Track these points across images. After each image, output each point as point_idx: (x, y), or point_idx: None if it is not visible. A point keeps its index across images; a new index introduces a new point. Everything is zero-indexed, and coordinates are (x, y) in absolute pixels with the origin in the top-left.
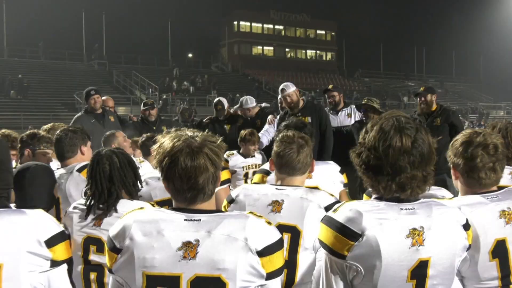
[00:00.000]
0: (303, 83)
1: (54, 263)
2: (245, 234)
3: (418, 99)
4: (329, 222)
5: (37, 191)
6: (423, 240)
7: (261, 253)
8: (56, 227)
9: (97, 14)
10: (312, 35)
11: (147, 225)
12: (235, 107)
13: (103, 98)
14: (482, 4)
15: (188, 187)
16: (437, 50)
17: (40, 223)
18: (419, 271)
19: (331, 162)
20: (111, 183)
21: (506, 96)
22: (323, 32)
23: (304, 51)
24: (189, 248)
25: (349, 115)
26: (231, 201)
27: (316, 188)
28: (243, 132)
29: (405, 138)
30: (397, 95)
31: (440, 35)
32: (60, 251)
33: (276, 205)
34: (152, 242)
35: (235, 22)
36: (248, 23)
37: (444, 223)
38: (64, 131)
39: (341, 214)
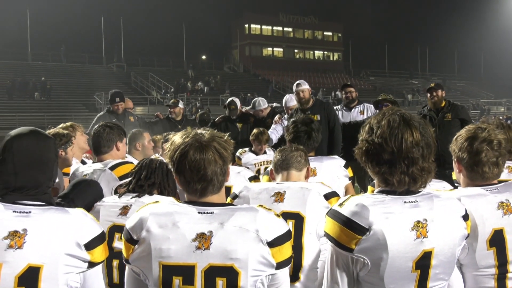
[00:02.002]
0: (311, 83)
1: (92, 265)
2: (256, 226)
3: (429, 94)
4: (335, 215)
5: (80, 201)
6: (427, 232)
7: (271, 244)
8: (96, 229)
9: (115, 19)
10: (319, 37)
11: (163, 217)
12: (247, 108)
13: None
14: (483, 4)
15: (198, 179)
16: (439, 49)
17: (81, 224)
18: (423, 262)
19: (336, 156)
20: (155, 177)
21: (506, 92)
22: (330, 33)
23: (312, 52)
24: (203, 239)
25: (362, 112)
26: (235, 197)
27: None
28: (255, 131)
29: (414, 131)
30: (401, 93)
31: (443, 35)
32: (98, 253)
33: (279, 196)
34: (168, 234)
35: (246, 25)
36: (258, 26)
37: (446, 215)
38: (102, 126)
39: (347, 208)
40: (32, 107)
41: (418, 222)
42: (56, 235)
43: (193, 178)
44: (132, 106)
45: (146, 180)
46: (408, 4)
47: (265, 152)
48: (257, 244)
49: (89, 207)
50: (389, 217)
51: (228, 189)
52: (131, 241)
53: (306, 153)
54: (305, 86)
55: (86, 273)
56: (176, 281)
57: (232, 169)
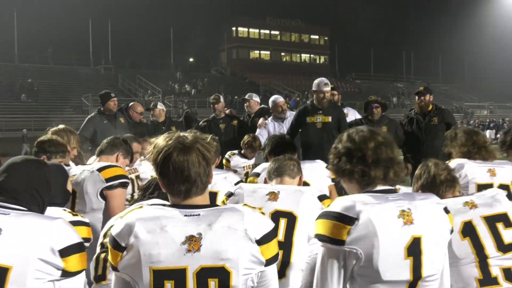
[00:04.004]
0: (297, 86)
1: (65, 274)
2: (244, 225)
3: (417, 97)
4: (325, 215)
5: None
6: (413, 220)
7: (260, 242)
8: (74, 237)
9: (103, 21)
10: (306, 40)
11: (150, 222)
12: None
13: (131, 104)
14: (467, 10)
15: (182, 180)
16: (424, 53)
17: (58, 230)
18: (414, 248)
19: (318, 160)
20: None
21: (489, 96)
22: (316, 37)
23: (298, 55)
24: (193, 242)
25: (346, 115)
26: (230, 195)
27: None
28: (246, 138)
29: (379, 137)
30: (386, 96)
31: (427, 39)
32: (74, 262)
33: (273, 195)
34: (157, 239)
35: (234, 28)
36: (246, 29)
37: (427, 205)
38: (120, 138)
39: (337, 205)
40: (19, 108)
41: (403, 210)
42: (30, 238)
43: (177, 180)
44: (142, 111)
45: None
46: (393, 9)
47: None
48: (246, 243)
49: (65, 190)
50: (375, 206)
51: (214, 194)
52: (119, 248)
53: (299, 163)
54: (329, 88)
55: (61, 284)
56: (168, 285)
57: (219, 174)
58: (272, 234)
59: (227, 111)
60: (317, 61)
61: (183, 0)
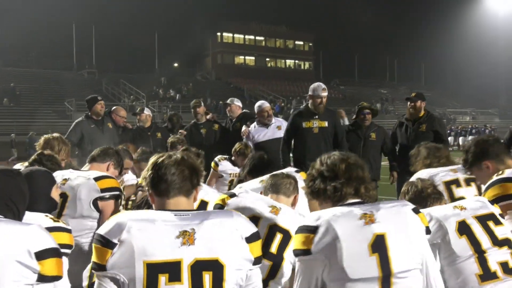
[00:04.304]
0: (282, 91)
1: (41, 278)
2: (234, 223)
3: (408, 103)
4: (296, 232)
5: (34, 195)
6: (375, 219)
7: (248, 239)
8: (50, 242)
9: (87, 26)
10: (291, 46)
11: (142, 220)
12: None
13: (114, 108)
14: (450, 18)
15: (172, 188)
16: (407, 59)
17: (34, 234)
18: (379, 245)
19: (288, 167)
20: None
21: (471, 102)
22: (301, 43)
23: (283, 61)
24: (186, 236)
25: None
26: (232, 195)
27: None
28: (237, 146)
29: (350, 159)
30: (370, 102)
31: (411, 46)
32: (50, 266)
33: (275, 209)
34: (150, 233)
35: (219, 33)
36: (230, 34)
37: (391, 207)
38: (112, 148)
39: (304, 220)
40: (1, 113)
41: (365, 213)
42: (7, 241)
43: (168, 189)
44: (125, 115)
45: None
46: (377, 15)
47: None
48: (237, 239)
49: (49, 197)
50: (337, 214)
51: (205, 204)
52: (108, 245)
53: (296, 182)
54: (326, 93)
55: None
56: (162, 278)
57: (207, 188)
58: (258, 235)
59: (208, 116)
60: (302, 67)
61: (168, 4)
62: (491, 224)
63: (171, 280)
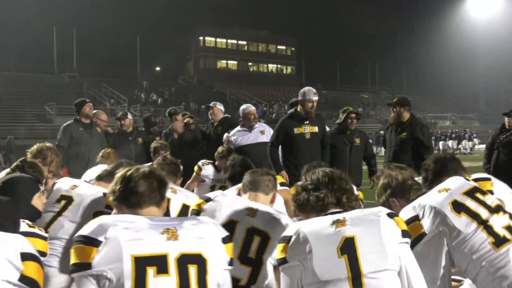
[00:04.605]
0: (265, 95)
1: (23, 278)
2: (211, 224)
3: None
4: (279, 240)
5: (17, 202)
6: (346, 224)
7: (224, 240)
8: (32, 248)
9: (68, 29)
10: (273, 50)
11: (125, 221)
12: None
13: (95, 111)
14: (430, 24)
15: (144, 200)
16: (389, 65)
17: (20, 240)
18: (347, 247)
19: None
20: None
21: (452, 107)
22: (283, 47)
23: (265, 65)
24: (170, 232)
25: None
26: (208, 199)
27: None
28: (220, 150)
29: (333, 174)
30: (352, 106)
31: (392, 51)
32: (32, 269)
33: (252, 211)
34: (136, 230)
35: (201, 38)
36: (213, 39)
37: (365, 212)
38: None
39: (285, 232)
40: None
41: (338, 220)
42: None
43: (139, 201)
44: (106, 118)
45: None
46: (359, 20)
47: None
48: (215, 238)
49: (29, 205)
50: (311, 222)
51: (187, 208)
52: (93, 243)
53: (275, 178)
54: (317, 97)
55: None
56: (150, 271)
57: (188, 193)
58: (230, 238)
59: (184, 120)
60: (284, 71)
61: (150, 8)
62: (479, 195)
63: (159, 272)
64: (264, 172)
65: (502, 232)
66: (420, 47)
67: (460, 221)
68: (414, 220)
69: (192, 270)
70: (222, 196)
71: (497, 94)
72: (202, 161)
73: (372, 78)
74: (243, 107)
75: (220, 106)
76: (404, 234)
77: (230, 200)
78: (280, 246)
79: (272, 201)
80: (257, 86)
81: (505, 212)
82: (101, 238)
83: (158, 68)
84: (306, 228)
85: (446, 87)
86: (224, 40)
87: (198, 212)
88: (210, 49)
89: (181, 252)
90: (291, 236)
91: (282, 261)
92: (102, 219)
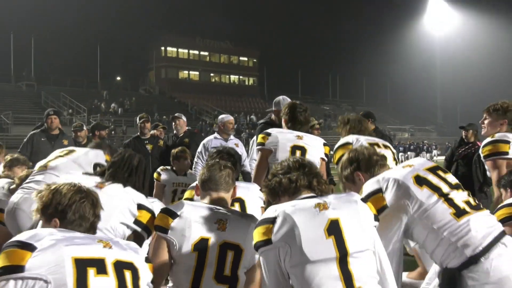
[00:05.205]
0: (227, 106)
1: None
2: (136, 249)
3: None
4: (255, 226)
5: None
6: (329, 207)
7: (147, 260)
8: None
9: (25, 36)
10: (235, 62)
11: (63, 231)
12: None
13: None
14: (389, 38)
15: (78, 217)
16: (349, 77)
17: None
18: (334, 229)
19: (254, 184)
20: (136, 178)
21: (410, 119)
22: (245, 58)
23: (228, 76)
24: (103, 243)
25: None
26: (174, 215)
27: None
28: (174, 151)
29: (302, 160)
30: (314, 117)
31: (353, 64)
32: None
33: (221, 224)
34: (73, 238)
35: (163, 48)
36: (175, 49)
37: (341, 196)
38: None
39: (263, 215)
40: None
41: (319, 203)
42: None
43: (77, 221)
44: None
45: (127, 178)
46: (320, 33)
47: (185, 174)
48: (141, 257)
49: None
50: (292, 204)
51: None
52: (28, 247)
53: (233, 170)
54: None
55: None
56: (91, 271)
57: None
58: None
59: (152, 132)
60: (246, 83)
61: (111, 18)
62: (441, 173)
63: (99, 273)
64: (222, 166)
65: (462, 205)
66: (380, 60)
67: (422, 193)
68: (377, 192)
69: (128, 274)
70: (188, 213)
71: (454, 108)
72: (161, 167)
73: (333, 89)
74: (222, 116)
75: (184, 118)
76: (376, 218)
77: (198, 214)
78: (260, 229)
79: (233, 196)
80: (219, 97)
81: (464, 190)
82: (37, 244)
83: (118, 78)
84: (289, 210)
85: (405, 100)
86: (186, 51)
87: (165, 230)
88: (172, 59)
89: (116, 258)
90: (275, 217)
91: (265, 243)
92: (38, 230)
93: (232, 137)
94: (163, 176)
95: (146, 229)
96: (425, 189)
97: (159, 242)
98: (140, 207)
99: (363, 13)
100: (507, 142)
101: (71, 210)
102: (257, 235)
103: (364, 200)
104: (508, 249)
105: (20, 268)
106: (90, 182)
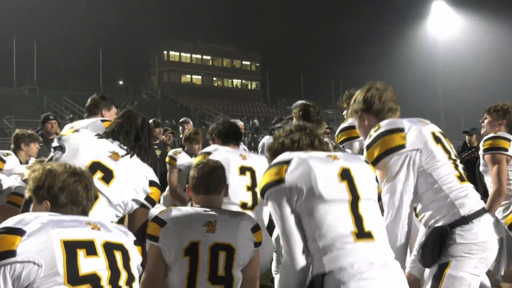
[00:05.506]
0: (229, 111)
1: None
2: (126, 232)
3: None
4: (265, 171)
5: None
6: (339, 158)
7: (135, 243)
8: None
9: (28, 40)
10: (238, 66)
11: (50, 215)
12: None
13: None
14: (392, 42)
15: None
16: (352, 81)
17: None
18: (346, 175)
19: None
20: (144, 139)
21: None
22: (248, 62)
23: (230, 80)
24: (92, 225)
25: None
26: (162, 223)
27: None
28: (187, 132)
29: (306, 124)
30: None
31: (356, 67)
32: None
33: (211, 226)
34: (61, 221)
35: (165, 52)
36: (177, 53)
37: (349, 154)
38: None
39: (275, 160)
40: None
41: (330, 154)
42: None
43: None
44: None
45: (134, 143)
46: (324, 37)
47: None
48: (130, 240)
49: None
50: (307, 152)
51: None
52: (17, 232)
53: (224, 169)
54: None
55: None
56: (81, 252)
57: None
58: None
59: (162, 137)
60: (249, 87)
61: (114, 22)
62: (447, 142)
63: (88, 254)
64: (212, 168)
65: (462, 173)
66: (383, 64)
67: (437, 149)
68: (399, 131)
69: (118, 255)
70: (176, 215)
71: (457, 112)
72: (173, 151)
73: (336, 94)
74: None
75: (191, 123)
76: (376, 179)
77: (186, 219)
78: (274, 169)
79: (225, 195)
80: (222, 101)
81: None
82: (25, 228)
83: (121, 82)
84: (304, 155)
85: (408, 103)
86: (189, 55)
87: (156, 238)
88: (174, 63)
89: (105, 240)
90: (290, 159)
91: (276, 182)
92: (25, 214)
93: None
94: (179, 161)
95: (153, 204)
96: (439, 147)
97: (152, 250)
98: (151, 183)
99: (366, 17)
100: (508, 140)
101: (63, 193)
102: (268, 176)
103: (384, 134)
104: (493, 218)
105: (11, 253)
106: (103, 150)
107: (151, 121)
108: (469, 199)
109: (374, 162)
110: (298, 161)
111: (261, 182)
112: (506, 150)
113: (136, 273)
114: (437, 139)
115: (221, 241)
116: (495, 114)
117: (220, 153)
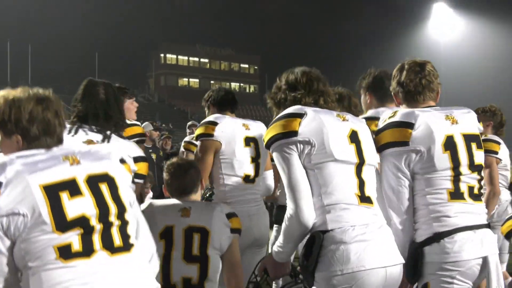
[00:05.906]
0: None
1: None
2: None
3: None
4: (276, 120)
5: None
6: (348, 120)
7: (122, 161)
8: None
9: (23, 43)
10: (236, 69)
11: (22, 156)
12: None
13: None
14: (392, 44)
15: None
16: (353, 84)
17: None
18: (354, 138)
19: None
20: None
21: None
22: (246, 65)
23: (228, 84)
24: (71, 158)
25: None
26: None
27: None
28: (190, 123)
29: (311, 73)
30: None
31: (356, 70)
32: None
33: (185, 211)
34: (36, 163)
35: (162, 55)
36: (174, 56)
37: (356, 117)
38: None
39: (287, 111)
40: None
41: (338, 114)
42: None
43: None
44: None
45: (106, 122)
46: (322, 40)
47: None
48: (115, 159)
49: None
50: (315, 109)
51: None
52: None
53: (198, 169)
54: None
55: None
56: (64, 195)
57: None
58: (130, 158)
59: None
60: (247, 90)
61: (110, 25)
62: (473, 146)
63: (72, 195)
64: (186, 168)
65: (463, 189)
66: (384, 67)
67: (441, 158)
68: (407, 127)
69: (104, 187)
70: (151, 206)
71: None
72: (190, 136)
73: None
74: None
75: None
76: (377, 149)
77: (162, 207)
78: (286, 121)
79: (201, 188)
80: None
81: (480, 175)
82: (1, 179)
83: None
84: (317, 112)
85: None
86: (186, 58)
87: None
88: (172, 66)
89: (87, 174)
90: (303, 113)
91: (286, 135)
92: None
93: None
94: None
95: (143, 178)
96: (446, 156)
97: None
98: (136, 160)
99: (366, 19)
100: (498, 143)
101: (33, 125)
102: (279, 127)
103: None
104: (476, 235)
105: None
106: (77, 143)
107: (147, 123)
108: (448, 217)
109: (379, 150)
110: (313, 115)
111: (268, 132)
112: (497, 153)
113: (127, 201)
114: (449, 145)
115: (195, 224)
116: (483, 115)
117: (226, 123)
